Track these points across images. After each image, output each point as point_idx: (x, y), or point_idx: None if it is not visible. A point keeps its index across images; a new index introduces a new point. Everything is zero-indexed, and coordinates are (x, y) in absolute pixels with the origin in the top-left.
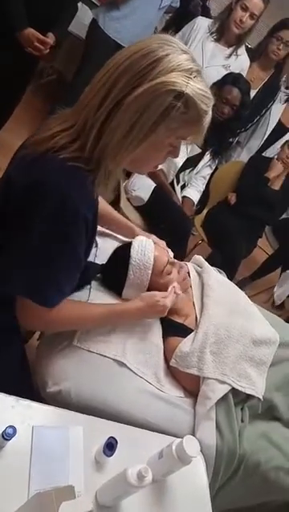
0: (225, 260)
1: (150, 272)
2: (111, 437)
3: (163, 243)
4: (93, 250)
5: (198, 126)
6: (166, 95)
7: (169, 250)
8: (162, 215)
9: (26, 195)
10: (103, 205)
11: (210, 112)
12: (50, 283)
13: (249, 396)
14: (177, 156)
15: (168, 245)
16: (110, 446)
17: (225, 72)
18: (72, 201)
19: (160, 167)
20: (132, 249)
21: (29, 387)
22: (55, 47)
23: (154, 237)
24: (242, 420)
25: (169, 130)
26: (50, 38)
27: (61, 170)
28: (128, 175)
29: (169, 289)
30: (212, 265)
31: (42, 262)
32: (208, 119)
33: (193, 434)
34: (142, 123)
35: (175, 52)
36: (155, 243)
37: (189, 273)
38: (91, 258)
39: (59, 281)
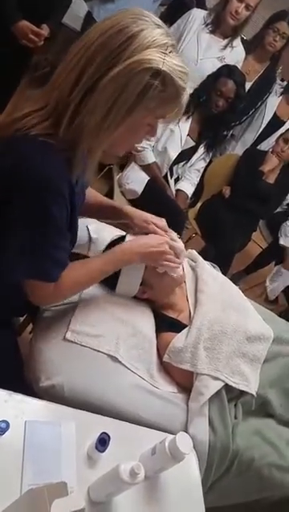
0: (219, 254)
1: (144, 266)
2: (104, 433)
3: (162, 221)
4: (86, 246)
5: (177, 103)
6: (143, 73)
7: (172, 231)
8: (156, 208)
9: (2, 183)
10: (91, 193)
11: (188, 89)
12: (49, 260)
13: (242, 393)
14: (154, 135)
15: None
16: (102, 442)
17: (220, 64)
18: (51, 182)
19: (153, 160)
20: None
21: (22, 381)
22: (50, 39)
23: (149, 216)
24: (236, 417)
25: (147, 110)
26: (45, 30)
27: (34, 149)
28: (122, 168)
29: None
30: (205, 259)
31: (35, 244)
32: (186, 95)
33: (186, 430)
34: (119, 105)
35: (149, 27)
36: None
37: (182, 267)
38: (84, 253)
39: (56, 255)
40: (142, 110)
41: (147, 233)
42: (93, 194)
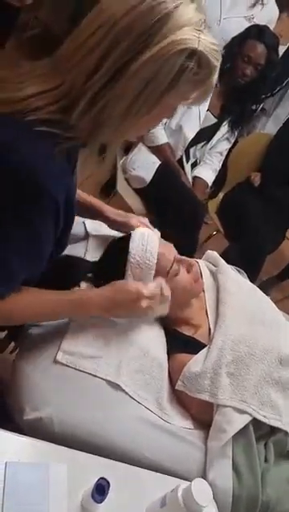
0: (246, 256)
1: (153, 272)
2: (102, 478)
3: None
4: (82, 244)
5: (208, 84)
6: (177, 56)
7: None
8: (168, 199)
9: None
10: None
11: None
12: (5, 275)
13: (274, 429)
14: (172, 116)
15: (176, 237)
16: (100, 489)
17: (248, 25)
18: (38, 178)
19: (166, 140)
20: (131, 243)
21: (1, 412)
22: None
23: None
24: (266, 460)
25: (179, 94)
26: None
27: (26, 137)
28: (127, 150)
29: (155, 283)
30: (229, 262)
31: None
32: (216, 75)
33: (204, 476)
34: (150, 92)
35: (184, 1)
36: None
37: (201, 273)
38: (80, 254)
39: (13, 270)
40: (174, 95)
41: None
42: None
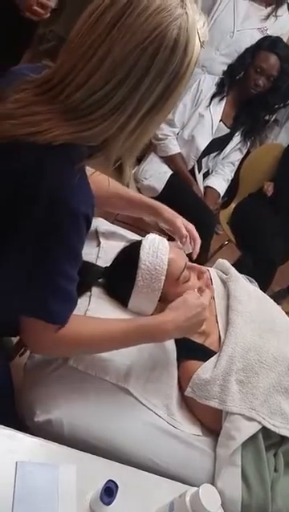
0: (258, 266)
1: (163, 278)
2: (111, 481)
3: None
4: (95, 250)
5: None
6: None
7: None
8: (179, 209)
9: (5, 192)
10: (110, 184)
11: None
12: (59, 295)
13: (284, 439)
14: None
15: None
16: (109, 492)
17: (260, 36)
18: (70, 202)
19: (178, 150)
20: (141, 250)
21: (11, 414)
22: (58, 10)
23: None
24: (276, 469)
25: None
26: (52, 1)
27: (46, 160)
28: (139, 161)
29: (208, 294)
30: (241, 272)
31: (41, 269)
32: None
33: (213, 483)
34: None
35: (188, 19)
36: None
37: (211, 280)
38: (92, 259)
39: (66, 289)
40: None
41: (168, 236)
42: (105, 181)
